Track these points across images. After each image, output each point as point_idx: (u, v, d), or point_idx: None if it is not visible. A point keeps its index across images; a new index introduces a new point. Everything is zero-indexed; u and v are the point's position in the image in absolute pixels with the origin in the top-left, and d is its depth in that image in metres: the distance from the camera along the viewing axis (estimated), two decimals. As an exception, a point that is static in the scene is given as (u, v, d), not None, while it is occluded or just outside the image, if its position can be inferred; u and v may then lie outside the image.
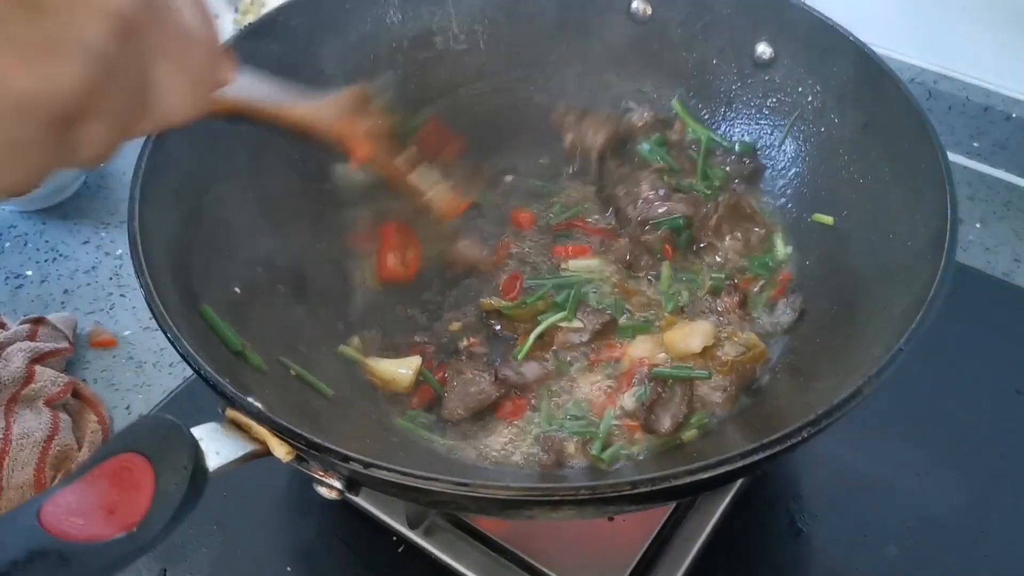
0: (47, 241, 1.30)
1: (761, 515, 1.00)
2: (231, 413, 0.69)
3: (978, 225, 1.29)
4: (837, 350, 0.87)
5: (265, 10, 1.56)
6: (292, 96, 0.89)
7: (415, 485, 0.66)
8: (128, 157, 0.85)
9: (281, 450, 0.68)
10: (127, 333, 1.18)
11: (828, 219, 1.00)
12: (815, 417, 0.69)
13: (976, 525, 0.98)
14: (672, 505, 0.95)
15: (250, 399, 0.70)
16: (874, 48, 1.33)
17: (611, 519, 0.95)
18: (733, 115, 1.12)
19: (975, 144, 1.34)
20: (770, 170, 1.09)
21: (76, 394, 1.09)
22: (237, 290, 0.92)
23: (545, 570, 0.92)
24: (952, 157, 1.33)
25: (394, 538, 0.97)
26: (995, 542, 0.97)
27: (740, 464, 0.67)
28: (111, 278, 1.25)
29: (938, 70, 1.34)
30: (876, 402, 1.02)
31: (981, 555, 0.96)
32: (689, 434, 0.90)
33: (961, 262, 1.23)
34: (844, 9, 1.18)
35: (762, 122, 1.09)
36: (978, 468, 1.03)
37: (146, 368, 1.14)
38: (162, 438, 0.63)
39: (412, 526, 0.95)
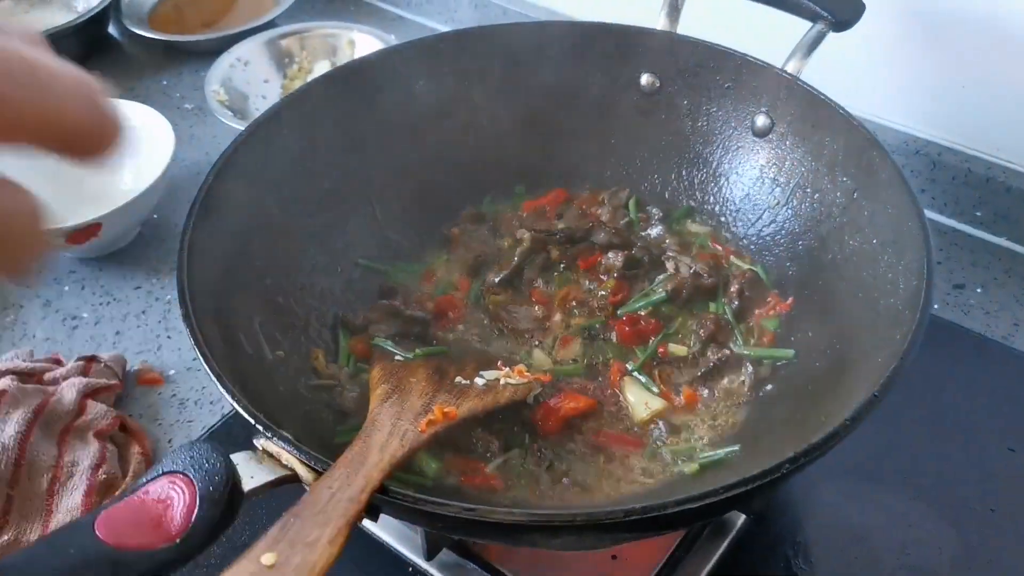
0: (103, 286, 1.40)
1: (759, 560, 1.05)
2: (263, 443, 0.77)
3: (979, 290, 1.34)
4: (826, 399, 0.93)
5: (311, 77, 1.69)
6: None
7: (427, 509, 0.73)
8: (180, 211, 0.95)
9: (309, 476, 0.76)
10: (172, 372, 1.27)
11: (788, 352, 1.06)
12: (793, 456, 0.76)
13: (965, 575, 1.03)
14: (675, 540, 1.01)
15: (281, 431, 0.78)
16: (881, 120, 1.43)
17: (615, 557, 1.01)
18: (736, 178, 1.20)
19: (978, 213, 1.40)
20: (770, 230, 1.16)
21: (123, 427, 1.18)
22: (280, 353, 1.02)
23: (552, 605, 0.98)
24: (956, 225, 1.43)
25: (410, 569, 1.03)
26: (983, 593, 1.02)
27: (724, 496, 0.74)
28: (159, 321, 1.34)
29: (943, 143, 1.41)
30: (874, 456, 1.09)
31: (969, 605, 1.01)
32: (691, 467, 0.96)
33: (962, 325, 1.29)
34: (852, 82, 1.26)
35: (763, 187, 1.17)
36: (969, 522, 1.07)
37: (188, 405, 1.23)
38: (204, 461, 0.71)
39: (428, 558, 1.02)
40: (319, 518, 0.67)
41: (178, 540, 0.67)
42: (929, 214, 0.97)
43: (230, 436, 1.16)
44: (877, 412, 0.79)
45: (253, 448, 0.78)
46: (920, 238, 0.93)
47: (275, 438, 0.77)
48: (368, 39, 1.74)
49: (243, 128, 1.08)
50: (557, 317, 1.13)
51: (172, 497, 0.69)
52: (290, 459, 0.76)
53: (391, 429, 0.82)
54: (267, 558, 0.62)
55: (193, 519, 0.68)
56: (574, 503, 0.94)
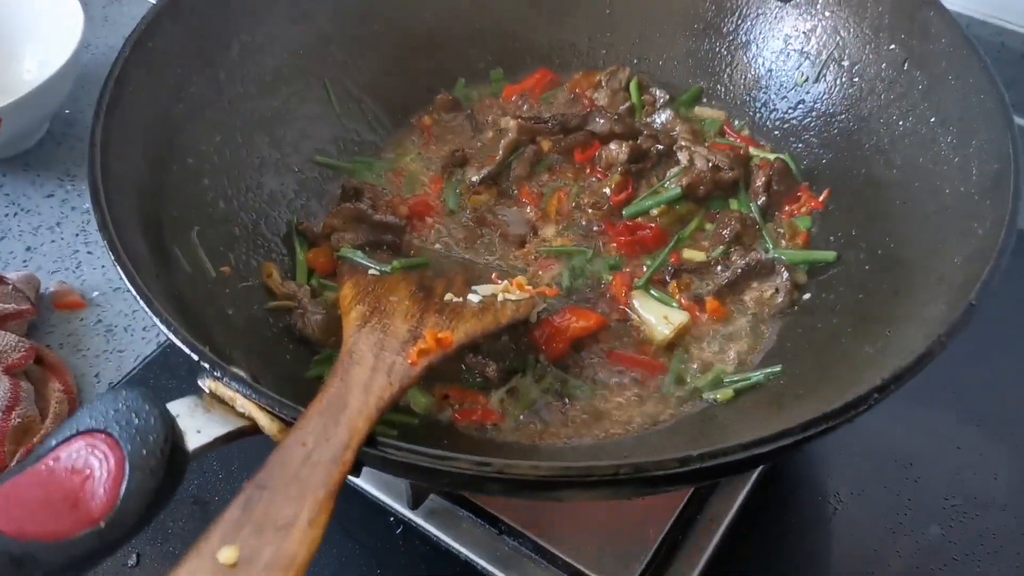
0: (7, 194, 1.20)
1: (790, 494, 0.92)
2: (212, 385, 0.60)
3: (1011, 180, 1.20)
4: (883, 307, 0.79)
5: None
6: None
7: (430, 466, 0.57)
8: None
9: (273, 427, 0.59)
10: (95, 294, 1.09)
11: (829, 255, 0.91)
12: (881, 383, 0.62)
13: (1024, 502, 0.91)
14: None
15: (233, 368, 0.61)
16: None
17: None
18: (755, 52, 1.03)
19: (1010, 94, 1.25)
20: (798, 112, 1.00)
21: (39, 360, 1.00)
22: (226, 269, 0.85)
23: (560, 554, 0.84)
24: (982, 107, 1.27)
25: (392, 519, 0.88)
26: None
27: (800, 436, 0.59)
28: (77, 234, 1.15)
29: (971, 14, 1.25)
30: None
31: (1032, 535, 0.89)
32: (724, 393, 0.82)
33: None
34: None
35: (788, 61, 1.00)
36: (1023, 440, 0.95)
37: (117, 332, 1.05)
38: (133, 415, 0.53)
39: (413, 507, 0.86)
40: (292, 488, 0.51)
41: (102, 523, 0.50)
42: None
43: (169, 369, 0.98)
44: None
45: (198, 392, 0.61)
46: (998, 112, 0.79)
47: (226, 377, 0.60)
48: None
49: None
50: (550, 231, 0.96)
51: (92, 465, 0.52)
52: (247, 405, 0.59)
53: (374, 363, 0.65)
54: (226, 554, 0.46)
55: (121, 494, 0.51)
56: (590, 440, 0.79)
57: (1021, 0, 1.21)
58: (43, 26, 1.25)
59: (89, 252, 1.13)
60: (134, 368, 1.00)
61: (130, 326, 1.05)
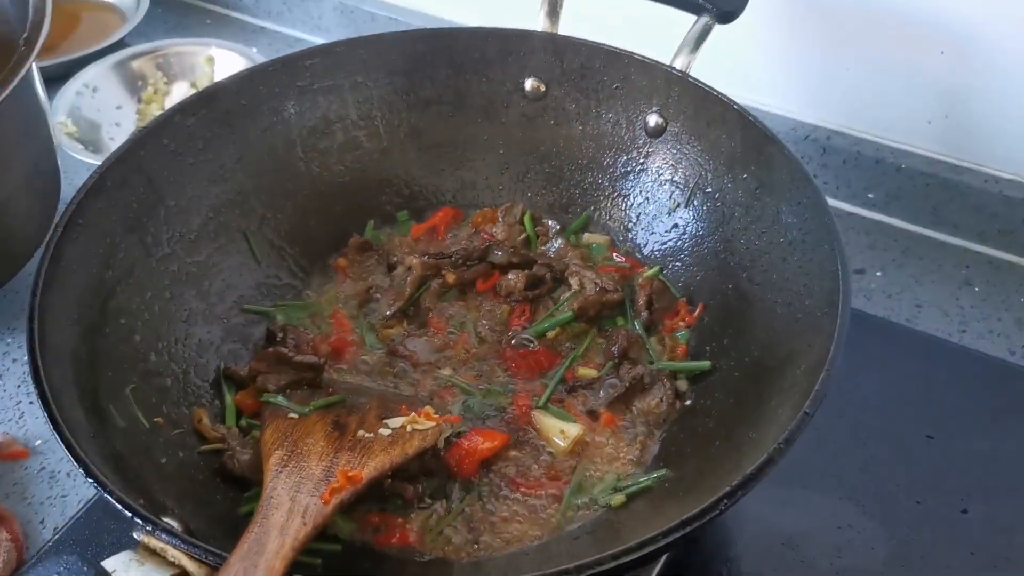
0: (-51, 352, 1.26)
1: (693, 580, 1.01)
2: (145, 538, 0.68)
3: (879, 273, 1.33)
4: (750, 411, 0.89)
5: (169, 99, 1.57)
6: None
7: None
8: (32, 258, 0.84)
9: (200, 573, 0.67)
10: (38, 443, 1.14)
11: (704, 364, 1.01)
12: (730, 490, 0.72)
13: (900, 574, 1.00)
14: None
15: (166, 519, 0.69)
16: (768, 108, 1.40)
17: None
18: (633, 182, 1.15)
19: (870, 195, 1.39)
20: (673, 235, 1.11)
21: (-14, 513, 1.05)
22: (158, 420, 0.92)
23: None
24: (850, 208, 1.41)
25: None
26: (919, 589, 0.99)
27: (673, 537, 0.69)
28: (19, 386, 1.21)
29: (831, 127, 1.39)
30: (796, 458, 1.04)
31: (907, 602, 0.98)
32: (617, 499, 0.91)
33: (864, 311, 1.27)
34: (739, 73, 1.23)
35: (661, 190, 1.12)
36: (896, 516, 1.04)
37: (59, 478, 1.10)
38: (72, 578, 0.61)
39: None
40: None
41: None
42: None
43: (110, 512, 1.03)
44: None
45: (133, 544, 0.69)
46: (831, 237, 0.90)
47: (156, 531, 0.68)
48: (229, 55, 1.62)
49: (99, 163, 0.97)
50: (446, 371, 1.04)
51: (35, 629, 0.59)
52: (177, 555, 0.67)
53: (291, 505, 0.73)
54: None
55: (63, 655, 0.58)
56: (503, 552, 0.88)
57: (872, 112, 1.36)
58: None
59: (31, 403, 1.19)
60: (77, 512, 1.05)
61: (72, 471, 1.11)
